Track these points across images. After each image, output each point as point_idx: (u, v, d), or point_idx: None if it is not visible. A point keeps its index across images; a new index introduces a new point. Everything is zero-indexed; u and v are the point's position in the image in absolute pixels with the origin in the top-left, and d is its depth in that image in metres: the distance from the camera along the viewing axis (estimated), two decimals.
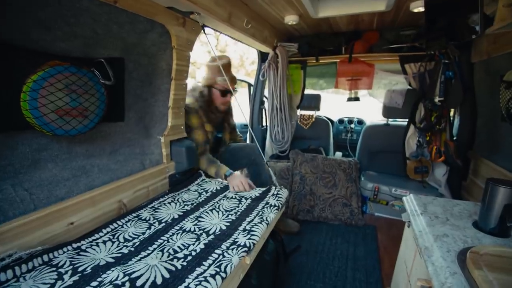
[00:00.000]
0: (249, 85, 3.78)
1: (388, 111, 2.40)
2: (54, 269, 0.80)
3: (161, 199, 1.34)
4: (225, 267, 0.84)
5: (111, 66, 1.09)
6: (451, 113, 2.03)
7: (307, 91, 2.73)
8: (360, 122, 3.39)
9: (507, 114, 1.52)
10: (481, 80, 1.84)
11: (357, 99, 2.53)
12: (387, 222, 2.15)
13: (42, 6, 0.84)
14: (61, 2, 0.87)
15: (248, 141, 3.02)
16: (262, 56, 2.51)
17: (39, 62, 0.90)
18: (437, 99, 1.81)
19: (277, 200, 1.35)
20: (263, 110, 2.79)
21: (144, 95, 1.35)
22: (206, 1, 1.29)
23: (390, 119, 2.48)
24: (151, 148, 1.44)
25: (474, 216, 0.99)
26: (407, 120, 2.09)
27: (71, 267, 0.82)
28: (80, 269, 0.81)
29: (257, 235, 1.04)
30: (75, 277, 0.77)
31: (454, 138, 1.99)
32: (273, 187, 1.49)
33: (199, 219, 1.17)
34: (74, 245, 0.93)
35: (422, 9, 1.59)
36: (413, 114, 2.02)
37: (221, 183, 1.59)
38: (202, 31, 1.45)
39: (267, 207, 1.29)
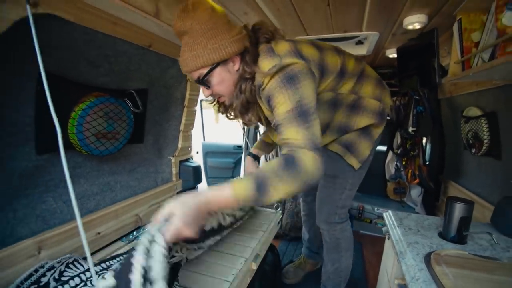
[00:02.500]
0: None
1: None
2: None
3: None
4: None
5: (139, 97, 1.28)
6: (424, 141, 2.32)
7: None
8: None
9: (467, 143, 1.81)
10: (447, 114, 2.16)
11: None
12: (371, 239, 2.35)
13: (92, 49, 1.04)
14: (107, 45, 1.07)
15: (242, 163, 3.21)
16: None
17: (84, 93, 1.07)
18: (410, 129, 2.10)
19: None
20: (258, 133, 3.01)
21: (160, 121, 1.53)
22: None
23: None
24: (163, 167, 1.60)
25: (439, 228, 1.21)
26: (386, 146, 2.37)
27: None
28: None
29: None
30: None
31: (427, 163, 2.27)
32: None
33: None
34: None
35: (395, 55, 1.91)
36: (391, 141, 2.30)
37: None
38: None
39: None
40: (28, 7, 0.64)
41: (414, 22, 1.24)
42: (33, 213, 0.95)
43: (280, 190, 0.77)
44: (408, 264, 0.94)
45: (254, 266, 1.13)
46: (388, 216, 1.40)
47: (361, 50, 1.92)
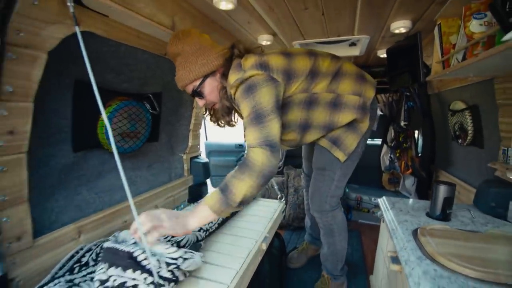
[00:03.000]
0: None
1: None
2: None
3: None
4: None
5: (155, 100, 1.42)
6: (416, 134, 2.48)
7: None
8: None
9: (454, 135, 1.96)
10: (436, 108, 2.31)
11: None
12: (369, 227, 2.50)
13: (116, 59, 1.17)
14: (129, 55, 1.21)
15: None
16: None
17: (110, 97, 1.21)
18: (402, 123, 2.25)
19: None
20: None
21: (172, 121, 1.67)
22: None
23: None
24: (175, 163, 1.74)
25: (427, 209, 1.36)
26: (381, 140, 2.52)
27: None
28: None
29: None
30: None
31: (419, 155, 2.42)
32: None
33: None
34: None
35: (385, 54, 2.06)
36: (385, 135, 2.45)
37: None
38: None
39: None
40: (77, 27, 0.78)
41: (400, 26, 1.39)
42: (71, 203, 1.08)
43: (240, 187, 0.93)
44: (399, 238, 1.09)
45: (264, 247, 1.27)
46: (383, 201, 1.55)
47: (355, 51, 2.07)
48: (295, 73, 1.12)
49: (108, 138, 1.18)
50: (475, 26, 0.93)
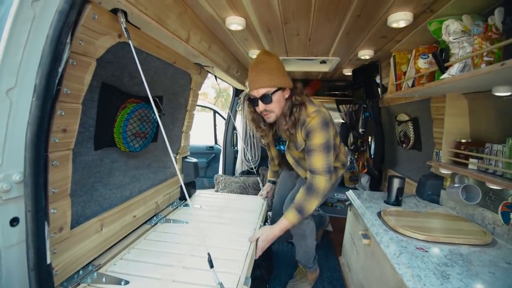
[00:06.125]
0: (214, 112, 4.34)
1: None
2: None
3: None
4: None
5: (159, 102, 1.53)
6: (369, 139, 2.96)
7: None
8: None
9: (399, 140, 2.45)
10: (386, 119, 2.82)
11: None
12: (333, 219, 2.88)
13: (134, 64, 1.28)
14: (145, 61, 1.32)
15: (221, 161, 3.48)
16: (236, 91, 3.13)
17: (125, 99, 1.30)
18: (360, 130, 2.69)
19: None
20: (235, 134, 3.34)
21: (167, 122, 1.78)
22: (217, 59, 1.85)
23: None
24: (169, 163, 1.84)
25: (384, 198, 1.74)
26: (343, 144, 2.94)
27: None
28: None
29: None
30: None
31: (372, 156, 2.91)
32: None
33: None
34: None
35: (350, 73, 2.47)
36: (346, 140, 2.88)
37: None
38: (214, 77, 2.00)
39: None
40: (130, 42, 0.90)
41: (365, 54, 1.76)
42: (92, 199, 1.15)
43: (311, 206, 1.37)
44: (368, 218, 1.42)
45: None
46: (350, 193, 1.90)
47: (324, 68, 2.43)
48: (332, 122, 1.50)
49: (124, 138, 1.28)
50: (422, 63, 1.30)
